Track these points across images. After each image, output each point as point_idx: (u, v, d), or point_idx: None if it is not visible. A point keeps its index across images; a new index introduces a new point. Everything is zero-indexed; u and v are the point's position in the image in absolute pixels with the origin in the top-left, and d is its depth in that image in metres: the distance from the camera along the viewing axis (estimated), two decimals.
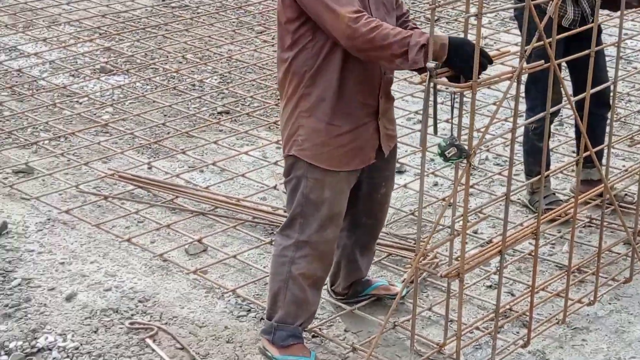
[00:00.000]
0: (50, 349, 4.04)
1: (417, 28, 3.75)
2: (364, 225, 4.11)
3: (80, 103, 6.76)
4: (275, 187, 5.56)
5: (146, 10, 8.65)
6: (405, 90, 7.03)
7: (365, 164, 3.80)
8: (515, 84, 3.45)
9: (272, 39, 8.08)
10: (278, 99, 6.86)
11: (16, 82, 7.01)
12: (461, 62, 3.35)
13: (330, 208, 3.77)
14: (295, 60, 3.65)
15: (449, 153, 3.31)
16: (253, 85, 7.15)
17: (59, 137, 6.19)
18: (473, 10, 4.15)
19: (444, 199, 5.39)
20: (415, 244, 4.76)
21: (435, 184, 5.65)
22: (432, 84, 3.34)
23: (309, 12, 3.53)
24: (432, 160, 5.89)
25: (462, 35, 3.48)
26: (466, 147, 3.34)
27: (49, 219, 5.16)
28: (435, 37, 3.32)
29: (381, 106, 3.75)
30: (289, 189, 3.83)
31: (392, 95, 3.85)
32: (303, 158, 3.72)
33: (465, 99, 3.49)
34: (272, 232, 5.09)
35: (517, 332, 4.22)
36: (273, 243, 4.94)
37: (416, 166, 5.79)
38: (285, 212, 5.15)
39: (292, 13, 3.61)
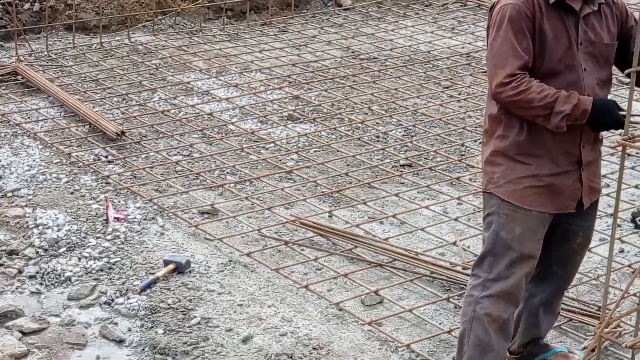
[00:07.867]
0: None
1: None
2: (553, 276, 4.04)
3: (267, 149, 6.90)
4: (454, 244, 5.50)
5: (335, 61, 8.78)
6: None
7: (561, 210, 3.81)
8: None
9: (459, 94, 8.05)
10: (462, 155, 6.82)
11: (207, 125, 7.23)
12: (601, 126, 3.67)
13: (521, 247, 3.78)
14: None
15: None
16: (437, 139, 7.13)
17: (245, 180, 6.33)
18: None
19: (630, 266, 5.21)
20: (598, 310, 4.61)
21: (621, 251, 5.46)
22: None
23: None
24: (619, 226, 5.70)
25: None
26: None
27: (230, 261, 5.27)
28: (579, 101, 3.60)
29: (584, 156, 3.77)
30: (484, 228, 3.91)
31: (598, 148, 3.86)
32: (497, 194, 3.80)
33: None
34: (449, 289, 5.03)
35: None
36: (450, 300, 4.89)
37: (602, 231, 5.61)
38: (463, 269, 5.12)
39: None
